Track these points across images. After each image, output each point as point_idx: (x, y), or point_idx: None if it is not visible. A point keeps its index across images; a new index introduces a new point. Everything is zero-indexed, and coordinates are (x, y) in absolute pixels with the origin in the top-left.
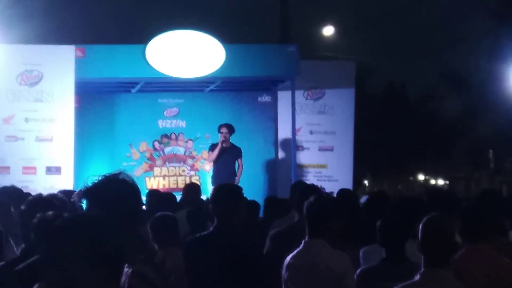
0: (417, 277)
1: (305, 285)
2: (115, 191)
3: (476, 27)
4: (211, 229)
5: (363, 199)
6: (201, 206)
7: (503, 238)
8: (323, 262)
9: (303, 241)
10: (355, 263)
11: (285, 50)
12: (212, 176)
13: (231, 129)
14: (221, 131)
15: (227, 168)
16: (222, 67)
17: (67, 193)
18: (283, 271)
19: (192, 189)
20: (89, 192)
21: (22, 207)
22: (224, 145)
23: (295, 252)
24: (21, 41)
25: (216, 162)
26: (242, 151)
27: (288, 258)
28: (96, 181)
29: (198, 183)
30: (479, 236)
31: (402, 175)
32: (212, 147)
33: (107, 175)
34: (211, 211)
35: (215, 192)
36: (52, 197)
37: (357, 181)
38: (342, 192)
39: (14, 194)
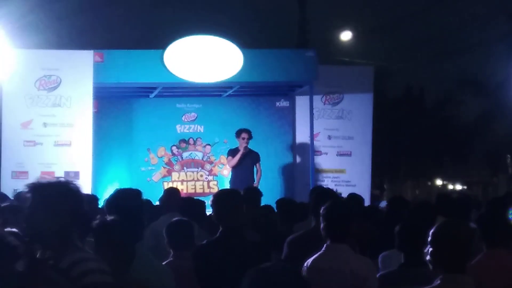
0: (437, 282)
1: None
2: (52, 193)
3: (494, 31)
4: (218, 234)
5: (382, 204)
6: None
7: None
8: (348, 267)
9: (325, 245)
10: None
11: (303, 55)
12: (230, 181)
13: (250, 134)
14: (243, 136)
15: (246, 173)
16: (240, 72)
17: (89, 198)
18: (303, 274)
19: (171, 193)
20: (33, 188)
21: None
22: (241, 149)
23: (316, 255)
24: (40, 46)
25: (236, 167)
26: (260, 156)
27: (310, 261)
28: (43, 181)
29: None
30: (497, 241)
31: (420, 180)
32: (231, 152)
33: (57, 178)
34: (214, 217)
35: (216, 198)
36: None
37: (379, 186)
38: (352, 197)
39: None
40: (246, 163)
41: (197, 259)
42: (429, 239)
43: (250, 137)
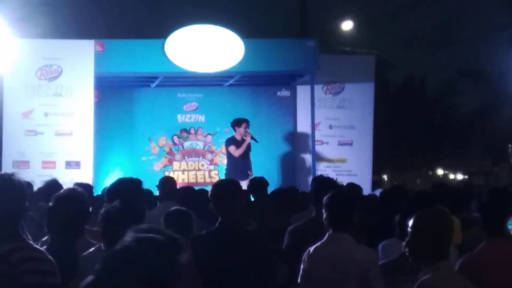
0: (428, 275)
1: (330, 276)
2: None
3: (495, 20)
4: (216, 225)
5: (377, 191)
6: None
7: None
8: (350, 255)
9: (327, 234)
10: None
11: (304, 44)
12: (227, 170)
13: (249, 123)
14: (244, 125)
15: (244, 163)
16: (241, 61)
17: (84, 186)
18: (304, 262)
19: (167, 183)
20: None
21: (50, 203)
22: (247, 139)
23: (318, 243)
24: (41, 36)
25: (237, 157)
26: (261, 146)
27: (311, 249)
28: None
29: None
30: (498, 231)
31: (421, 169)
32: (232, 142)
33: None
34: (212, 208)
35: (215, 189)
36: (72, 192)
37: (377, 175)
38: (350, 186)
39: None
40: (245, 152)
41: (196, 249)
42: (409, 230)
43: (249, 126)
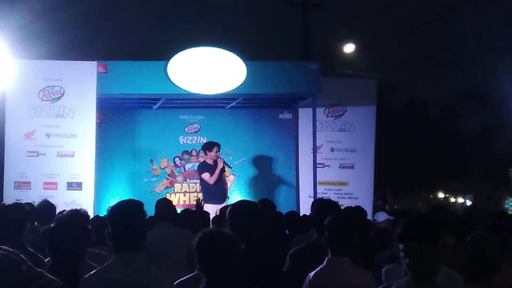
0: None
1: None
2: None
3: (498, 44)
4: None
5: (379, 215)
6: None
7: None
8: (348, 280)
9: (326, 258)
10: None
11: (306, 67)
12: (203, 194)
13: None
14: (215, 150)
15: (219, 186)
16: (243, 84)
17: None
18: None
19: (159, 204)
20: None
21: (52, 224)
22: (219, 164)
23: (318, 269)
24: (43, 57)
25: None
26: (263, 168)
27: (311, 274)
28: None
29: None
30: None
31: (422, 192)
32: (205, 168)
33: None
34: (228, 228)
35: (234, 209)
36: (75, 213)
37: (382, 197)
38: (356, 210)
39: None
40: (221, 175)
41: None
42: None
43: (220, 150)
